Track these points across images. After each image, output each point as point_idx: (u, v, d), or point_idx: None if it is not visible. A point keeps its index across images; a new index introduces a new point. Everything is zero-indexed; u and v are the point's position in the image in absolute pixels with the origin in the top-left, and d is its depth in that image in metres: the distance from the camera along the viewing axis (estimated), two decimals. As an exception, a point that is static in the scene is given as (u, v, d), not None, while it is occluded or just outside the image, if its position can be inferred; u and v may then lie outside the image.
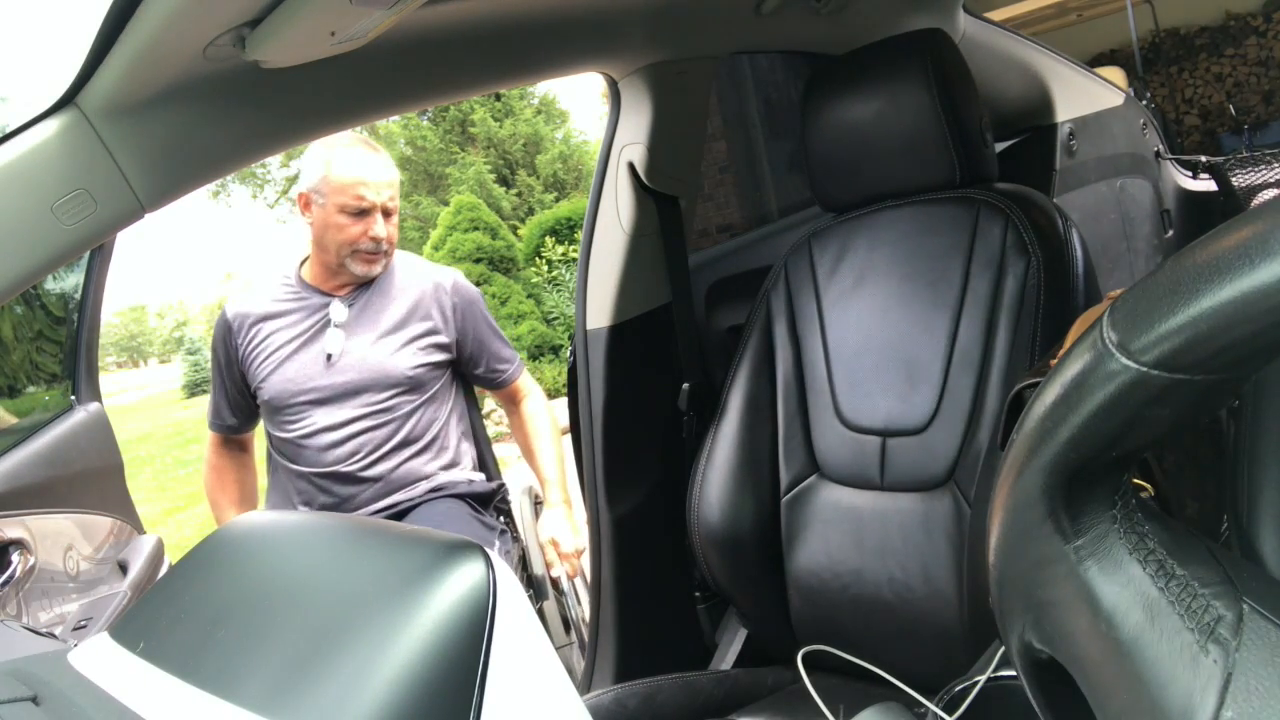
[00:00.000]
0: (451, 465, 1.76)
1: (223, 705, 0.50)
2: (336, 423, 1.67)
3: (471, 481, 1.78)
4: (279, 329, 1.73)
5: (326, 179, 1.66)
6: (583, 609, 1.81)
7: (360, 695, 0.47)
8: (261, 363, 1.72)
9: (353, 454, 1.67)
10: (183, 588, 0.63)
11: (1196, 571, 0.35)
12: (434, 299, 1.76)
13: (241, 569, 0.63)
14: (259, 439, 1.85)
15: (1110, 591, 0.36)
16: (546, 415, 1.89)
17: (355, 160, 1.67)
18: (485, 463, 1.91)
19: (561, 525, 1.75)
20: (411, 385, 1.71)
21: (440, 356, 1.75)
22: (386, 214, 1.70)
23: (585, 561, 1.61)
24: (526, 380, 1.92)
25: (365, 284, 1.74)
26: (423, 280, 1.77)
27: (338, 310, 1.72)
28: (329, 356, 1.68)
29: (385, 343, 1.70)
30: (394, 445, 1.69)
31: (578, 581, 1.83)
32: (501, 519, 1.84)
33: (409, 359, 1.70)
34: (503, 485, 1.86)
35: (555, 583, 1.83)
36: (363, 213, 1.67)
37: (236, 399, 1.78)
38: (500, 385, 1.87)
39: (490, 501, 1.80)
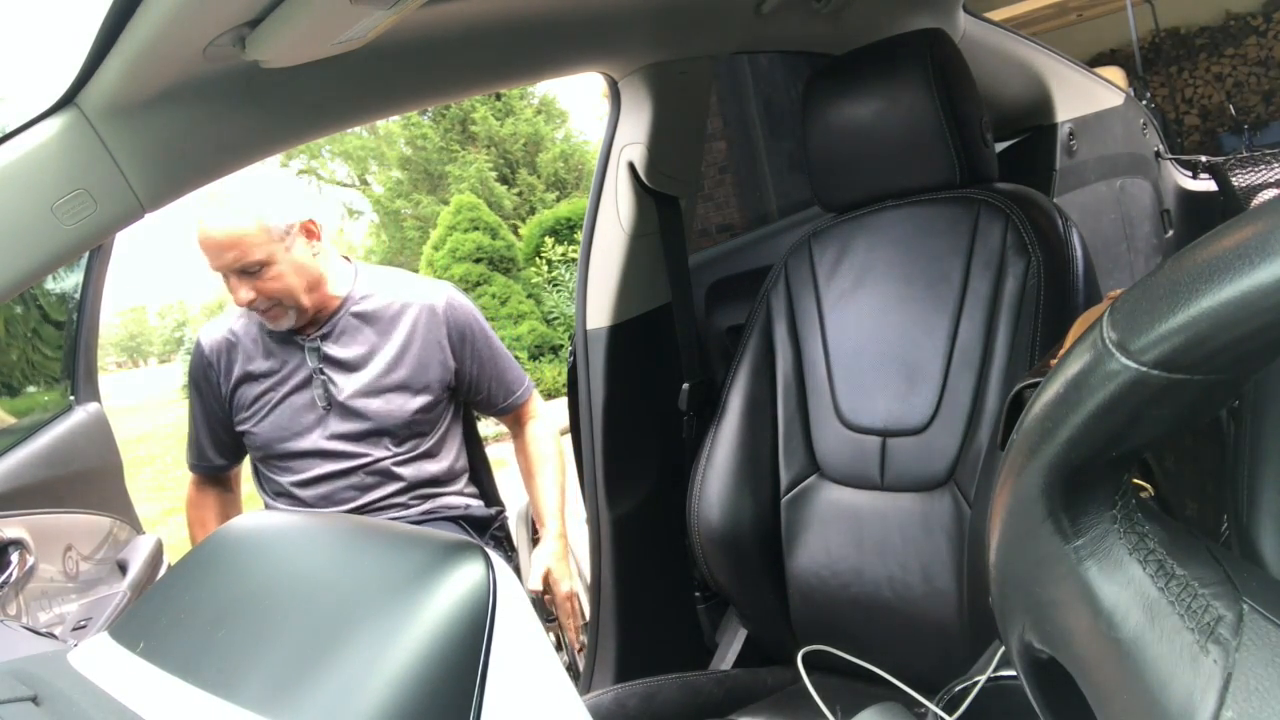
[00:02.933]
0: (448, 485, 1.67)
1: (223, 705, 0.50)
2: (336, 473, 1.57)
3: (468, 506, 1.68)
4: (262, 369, 1.59)
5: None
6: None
7: (360, 695, 0.47)
8: (249, 406, 1.59)
9: (353, 502, 1.57)
10: (183, 588, 0.63)
11: (1196, 571, 0.35)
12: (426, 327, 1.60)
13: (241, 569, 0.63)
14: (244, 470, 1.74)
15: (1110, 591, 0.36)
16: (552, 443, 1.75)
17: (197, 222, 1.49)
18: (483, 485, 1.81)
19: (553, 566, 1.62)
20: (415, 431, 1.60)
21: (441, 394, 1.63)
22: (247, 273, 1.49)
23: (585, 562, 1.61)
24: (534, 404, 1.77)
25: (331, 317, 1.58)
26: (410, 306, 1.61)
27: (311, 354, 1.57)
28: (323, 407, 1.56)
29: (381, 387, 1.57)
30: (396, 490, 1.59)
31: (577, 583, 1.82)
32: (495, 546, 1.73)
33: (409, 405, 1.58)
34: (501, 512, 1.77)
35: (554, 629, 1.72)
36: (223, 275, 1.52)
37: (222, 437, 1.65)
38: (502, 412, 1.73)
39: (487, 528, 1.71)
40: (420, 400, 1.59)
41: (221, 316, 1.70)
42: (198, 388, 1.64)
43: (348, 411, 1.57)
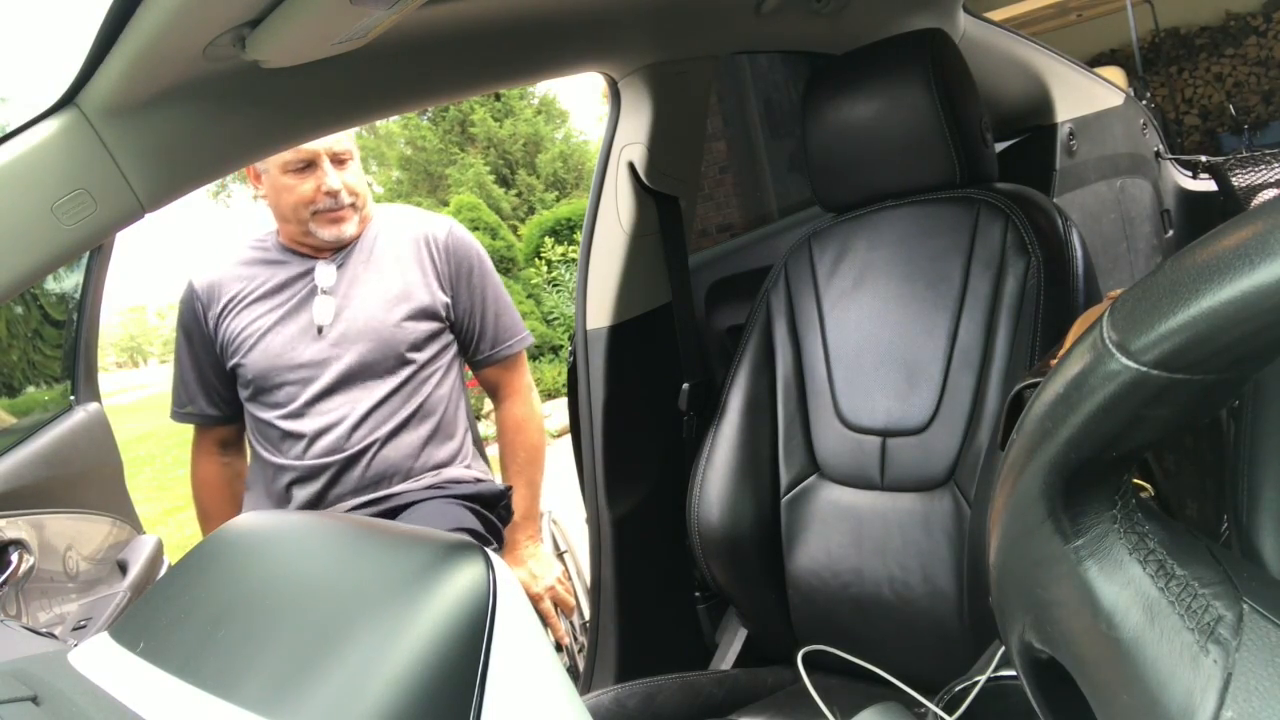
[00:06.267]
0: (456, 457, 1.59)
1: (223, 705, 0.50)
2: (331, 403, 1.49)
3: (479, 480, 1.60)
4: (258, 297, 1.54)
5: None
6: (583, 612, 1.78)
7: (360, 695, 0.47)
8: (241, 337, 1.52)
9: (348, 437, 1.49)
10: (183, 588, 0.63)
11: (1196, 571, 0.35)
12: (426, 252, 1.58)
13: (241, 569, 0.63)
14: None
15: (1110, 591, 0.36)
16: (531, 433, 1.67)
17: None
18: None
19: (526, 578, 1.59)
20: (414, 354, 1.53)
21: (436, 320, 1.57)
22: (338, 161, 1.51)
23: (585, 562, 1.61)
24: (518, 372, 1.69)
25: (350, 243, 1.56)
26: (413, 232, 1.59)
27: (324, 274, 1.53)
28: (319, 328, 1.50)
29: (382, 307, 1.52)
30: (396, 425, 1.51)
31: (577, 584, 1.82)
32: (503, 522, 1.64)
33: (410, 324, 1.53)
34: (509, 489, 1.67)
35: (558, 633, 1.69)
36: (308, 166, 1.49)
37: (213, 382, 1.58)
38: (491, 360, 1.64)
39: (496, 505, 1.62)
40: (422, 323, 1.55)
41: (218, 257, 1.63)
42: (186, 331, 1.58)
43: (347, 333, 1.51)
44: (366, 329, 1.51)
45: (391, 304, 1.53)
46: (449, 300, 1.59)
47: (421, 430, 1.54)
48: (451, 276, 1.59)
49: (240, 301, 1.54)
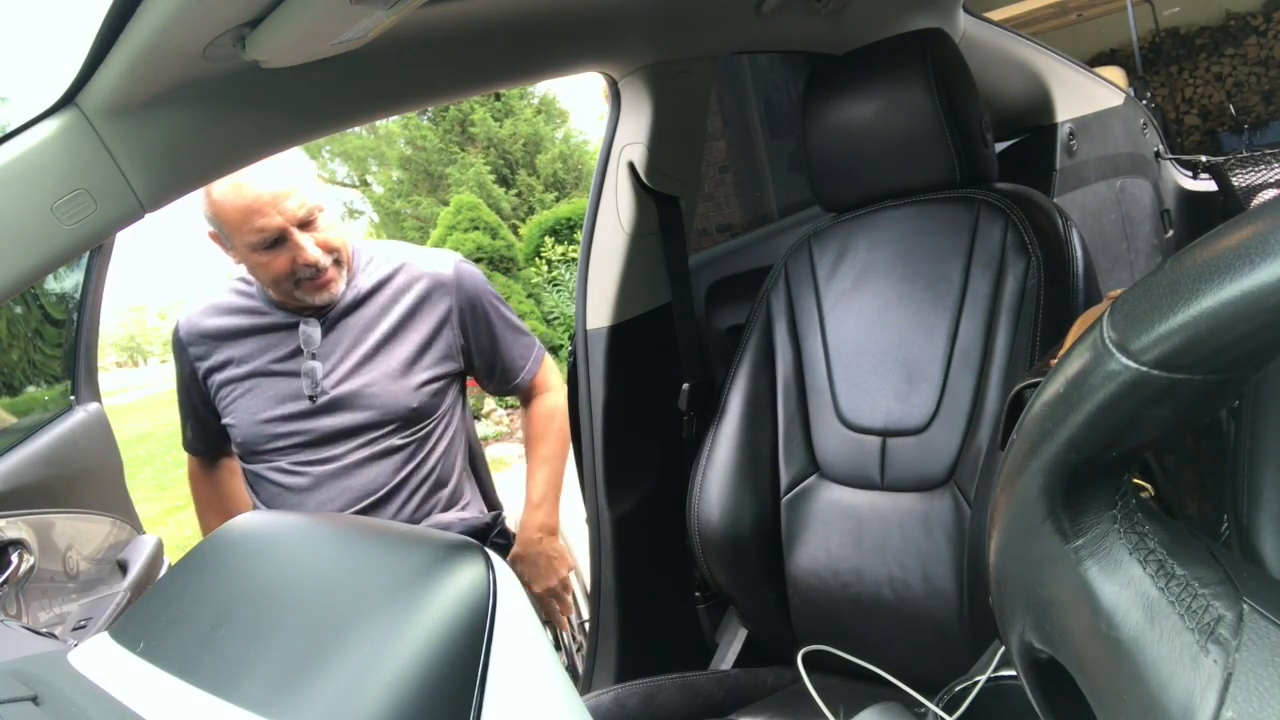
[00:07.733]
0: (449, 504, 1.54)
1: (223, 705, 0.50)
2: (322, 470, 1.45)
3: (464, 520, 1.56)
4: (242, 353, 1.47)
5: (215, 215, 1.35)
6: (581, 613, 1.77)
7: (360, 695, 0.47)
8: (226, 393, 1.48)
9: (341, 499, 1.45)
10: (183, 588, 0.63)
11: (1196, 571, 0.35)
12: (432, 299, 1.49)
13: (241, 569, 0.63)
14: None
15: (1110, 591, 0.36)
16: (561, 420, 1.62)
17: (235, 190, 1.31)
18: (484, 488, 1.73)
19: (525, 568, 1.56)
20: (413, 416, 1.47)
21: (446, 368, 1.50)
22: (307, 225, 1.36)
23: (584, 562, 1.61)
24: (545, 375, 1.65)
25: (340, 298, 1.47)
26: (416, 276, 1.50)
27: (309, 335, 1.44)
28: (309, 396, 1.43)
29: (376, 367, 1.45)
30: (388, 491, 1.46)
31: (576, 586, 1.81)
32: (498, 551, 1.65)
33: (409, 383, 1.46)
34: (499, 515, 1.66)
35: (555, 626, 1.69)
36: (276, 242, 1.35)
37: (199, 425, 1.57)
38: (514, 390, 1.63)
39: (487, 537, 1.59)
40: (424, 376, 1.48)
41: (205, 299, 1.56)
42: (180, 374, 1.56)
43: (340, 397, 1.45)
44: (360, 392, 1.45)
45: (386, 362, 1.46)
46: (464, 343, 1.53)
47: (420, 490, 1.50)
48: (465, 320, 1.52)
49: (227, 361, 1.49)
